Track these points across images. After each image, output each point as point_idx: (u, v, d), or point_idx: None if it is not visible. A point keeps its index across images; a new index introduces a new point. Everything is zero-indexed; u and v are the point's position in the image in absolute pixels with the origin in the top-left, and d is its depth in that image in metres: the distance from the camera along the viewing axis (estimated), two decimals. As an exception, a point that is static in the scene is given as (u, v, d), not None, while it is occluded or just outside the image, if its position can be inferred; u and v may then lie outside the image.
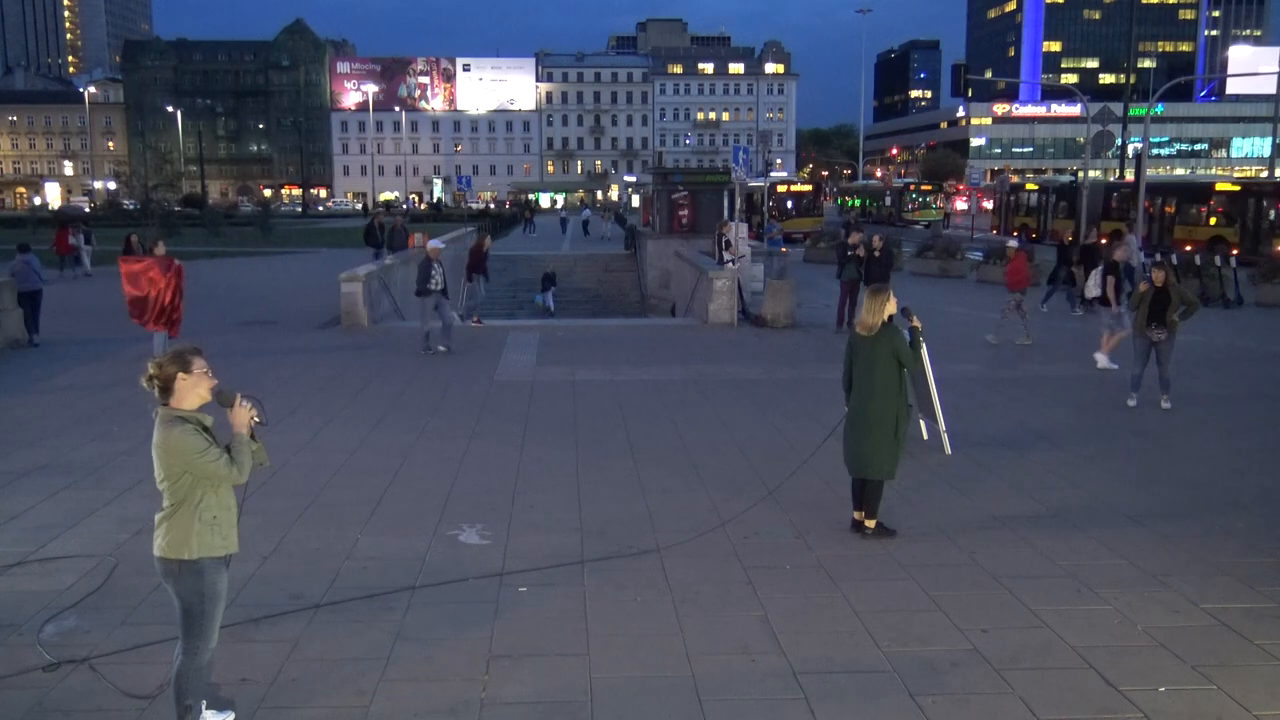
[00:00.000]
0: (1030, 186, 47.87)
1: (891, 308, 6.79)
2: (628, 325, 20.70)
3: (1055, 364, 14.10)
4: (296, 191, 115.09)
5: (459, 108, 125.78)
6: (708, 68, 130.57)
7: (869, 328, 6.78)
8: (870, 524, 6.92)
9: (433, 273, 14.87)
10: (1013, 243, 17.50)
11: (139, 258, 15.05)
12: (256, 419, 4.18)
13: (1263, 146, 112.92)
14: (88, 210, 71.71)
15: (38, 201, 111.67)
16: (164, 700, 4.66)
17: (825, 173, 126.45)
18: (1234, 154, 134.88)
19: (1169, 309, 10.82)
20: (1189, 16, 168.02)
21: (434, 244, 15.55)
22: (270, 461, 4.41)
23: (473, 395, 11.95)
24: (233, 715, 4.47)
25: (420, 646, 5.23)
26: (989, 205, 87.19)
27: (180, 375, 3.97)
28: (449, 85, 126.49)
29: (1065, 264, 20.87)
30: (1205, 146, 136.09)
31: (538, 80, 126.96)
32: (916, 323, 7.46)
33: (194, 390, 4.01)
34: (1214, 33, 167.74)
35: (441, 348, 14.89)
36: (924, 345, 7.95)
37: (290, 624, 5.50)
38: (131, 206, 62.37)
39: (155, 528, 4.08)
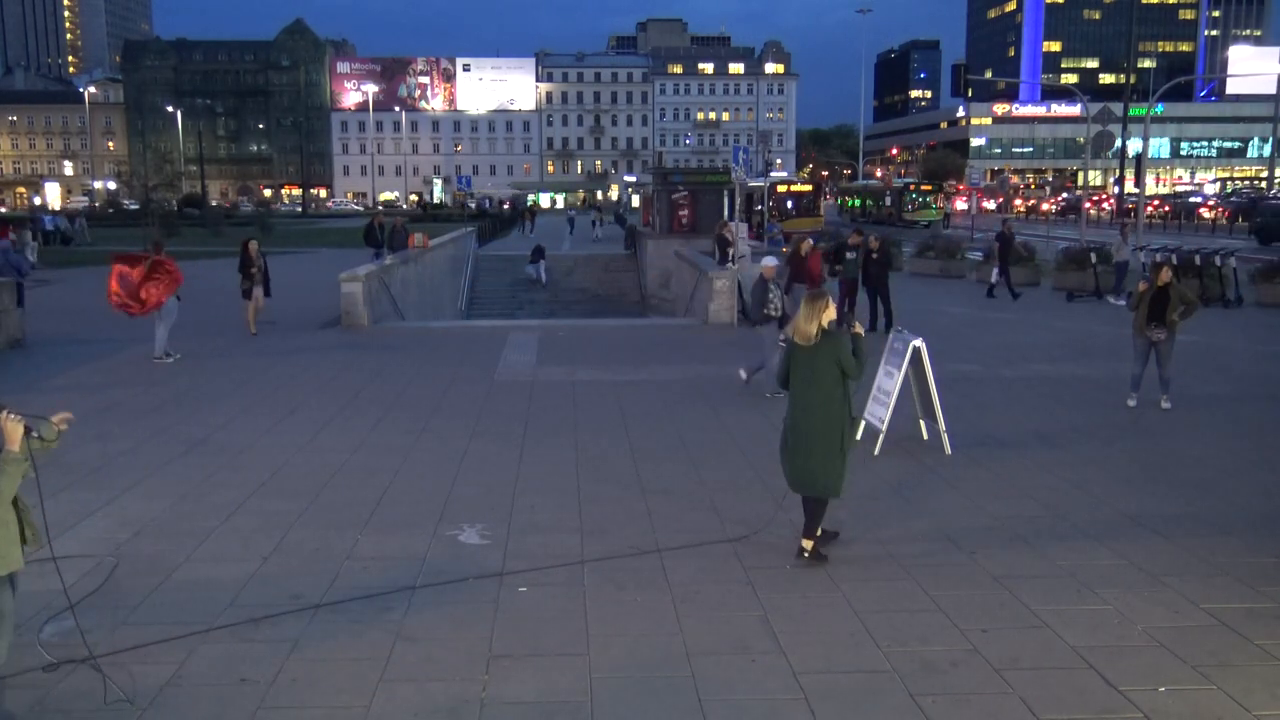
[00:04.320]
0: None
1: (830, 314, 6.37)
2: (628, 325, 20.70)
3: (1055, 364, 14.10)
4: (296, 191, 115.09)
5: (459, 108, 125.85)
6: (708, 68, 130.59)
7: (806, 336, 6.28)
8: (808, 544, 6.38)
9: (770, 296, 12.05)
10: (808, 240, 16.94)
11: (139, 256, 14.90)
12: (36, 434, 3.96)
13: (1262, 147, 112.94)
14: (87, 207, 71.79)
15: (38, 201, 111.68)
16: (162, 702, 4.67)
17: (825, 173, 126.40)
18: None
19: (1169, 308, 10.82)
20: (1189, 16, 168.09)
21: (769, 261, 12.61)
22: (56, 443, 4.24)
23: (473, 395, 11.95)
24: None
25: (420, 646, 5.23)
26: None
27: None
28: (449, 85, 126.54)
29: None
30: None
31: (538, 80, 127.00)
32: (859, 329, 6.84)
33: None
34: (1214, 33, 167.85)
35: (743, 376, 12.28)
36: (919, 350, 7.90)
37: (290, 624, 5.50)
38: (132, 206, 62.40)
39: None
